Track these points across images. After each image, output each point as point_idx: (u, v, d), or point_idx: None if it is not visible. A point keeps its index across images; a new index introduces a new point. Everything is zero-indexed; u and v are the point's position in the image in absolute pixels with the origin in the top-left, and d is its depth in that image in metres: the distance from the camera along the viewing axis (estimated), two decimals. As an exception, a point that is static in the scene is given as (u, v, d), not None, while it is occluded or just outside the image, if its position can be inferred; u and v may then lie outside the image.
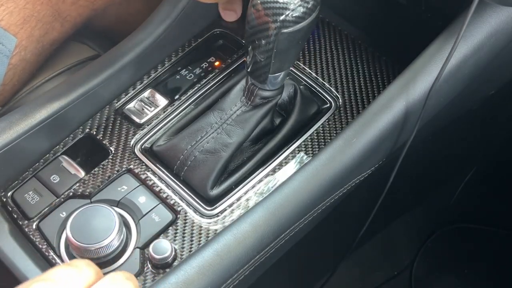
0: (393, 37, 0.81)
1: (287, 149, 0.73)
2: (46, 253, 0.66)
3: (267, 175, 0.71)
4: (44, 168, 0.72)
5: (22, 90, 0.84)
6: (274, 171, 0.71)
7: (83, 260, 0.51)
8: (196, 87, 0.79)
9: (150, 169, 0.71)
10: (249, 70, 0.66)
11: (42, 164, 0.73)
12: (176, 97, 0.78)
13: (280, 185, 0.66)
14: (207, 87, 0.79)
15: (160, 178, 0.71)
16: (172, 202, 0.69)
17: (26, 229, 0.68)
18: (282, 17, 0.57)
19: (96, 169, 0.72)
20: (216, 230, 0.67)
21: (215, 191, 0.69)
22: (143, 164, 0.72)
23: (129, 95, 0.78)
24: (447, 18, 0.70)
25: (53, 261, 0.65)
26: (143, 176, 0.71)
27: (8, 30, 0.75)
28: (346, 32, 0.85)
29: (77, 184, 0.71)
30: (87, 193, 0.70)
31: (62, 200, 0.69)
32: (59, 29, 0.84)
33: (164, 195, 0.69)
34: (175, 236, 0.67)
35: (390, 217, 1.30)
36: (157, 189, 0.70)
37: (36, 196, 0.70)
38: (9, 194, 0.71)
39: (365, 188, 0.76)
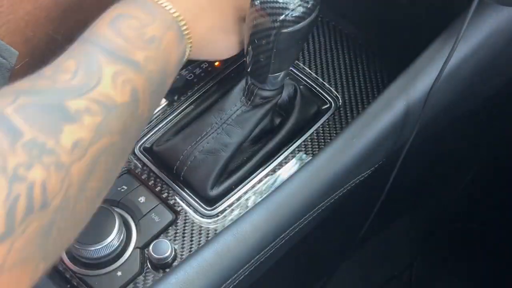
0: (393, 37, 0.81)
1: (287, 149, 0.73)
2: (46, 253, 0.66)
3: (267, 175, 0.71)
4: (44, 168, 0.72)
5: None
6: (274, 171, 0.71)
7: None
8: (196, 87, 0.79)
9: (150, 169, 0.71)
10: (249, 70, 0.66)
11: (42, 164, 0.73)
12: (176, 97, 0.78)
13: (280, 185, 0.66)
14: (207, 87, 0.79)
15: (160, 178, 0.71)
16: (172, 202, 0.69)
17: (26, 229, 0.68)
18: (282, 17, 0.57)
19: (96, 169, 0.72)
20: (216, 230, 0.67)
21: (215, 191, 0.69)
22: (143, 164, 0.72)
23: (129, 95, 0.78)
24: (447, 18, 0.70)
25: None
26: (143, 176, 0.71)
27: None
28: (346, 31, 0.85)
29: (77, 184, 0.70)
30: (87, 193, 0.70)
31: (62, 200, 0.69)
32: (63, 45, 0.84)
33: (164, 195, 0.69)
34: (175, 236, 0.67)
35: (390, 217, 1.30)
36: (157, 189, 0.70)
37: (36, 196, 0.70)
38: (9, 194, 0.71)
39: (365, 188, 0.76)
